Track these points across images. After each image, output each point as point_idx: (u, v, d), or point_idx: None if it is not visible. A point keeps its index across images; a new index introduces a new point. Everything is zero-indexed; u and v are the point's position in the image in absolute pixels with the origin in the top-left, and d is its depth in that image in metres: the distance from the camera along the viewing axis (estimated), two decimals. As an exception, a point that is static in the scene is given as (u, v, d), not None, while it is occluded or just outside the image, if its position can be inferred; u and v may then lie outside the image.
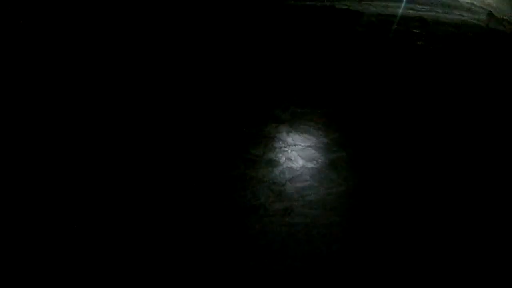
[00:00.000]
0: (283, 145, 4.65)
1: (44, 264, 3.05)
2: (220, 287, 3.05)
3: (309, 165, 4.47)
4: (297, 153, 4.63)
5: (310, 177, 4.28)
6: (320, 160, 4.53)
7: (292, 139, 4.80)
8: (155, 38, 6.56)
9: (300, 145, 4.73)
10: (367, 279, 3.30)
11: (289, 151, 4.54)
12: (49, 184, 3.72)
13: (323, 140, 4.89)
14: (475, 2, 17.85)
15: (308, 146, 4.74)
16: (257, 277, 3.13)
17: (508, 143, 5.17)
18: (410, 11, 10.63)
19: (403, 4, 11.68)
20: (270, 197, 3.90)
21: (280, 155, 4.53)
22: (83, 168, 3.94)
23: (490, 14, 14.03)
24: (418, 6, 11.97)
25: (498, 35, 10.90)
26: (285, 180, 4.17)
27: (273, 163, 4.39)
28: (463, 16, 12.69)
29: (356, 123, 5.31)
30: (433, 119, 5.54)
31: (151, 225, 3.46)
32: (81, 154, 4.08)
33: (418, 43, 8.02)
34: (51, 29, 6.40)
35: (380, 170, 4.56)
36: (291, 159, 4.47)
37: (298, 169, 4.39)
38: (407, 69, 7.08)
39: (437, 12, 11.66)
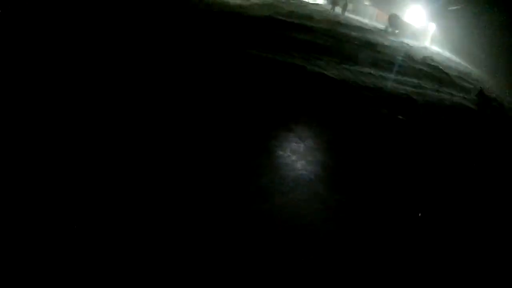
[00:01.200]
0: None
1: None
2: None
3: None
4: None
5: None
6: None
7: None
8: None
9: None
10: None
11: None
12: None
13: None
14: (463, 76, 16.56)
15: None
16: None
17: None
18: (398, 86, 8.89)
19: (390, 75, 10.00)
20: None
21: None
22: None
23: (481, 94, 12.59)
24: (406, 78, 10.33)
25: (490, 122, 9.30)
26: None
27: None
28: (453, 95, 11.08)
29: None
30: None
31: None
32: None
33: (406, 135, 6.18)
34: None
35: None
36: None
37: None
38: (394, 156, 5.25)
39: (426, 89, 9.97)
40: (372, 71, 9.78)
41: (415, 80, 10.76)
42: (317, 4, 25.93)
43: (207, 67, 6.67)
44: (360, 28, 19.27)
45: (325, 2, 28.29)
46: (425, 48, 22.98)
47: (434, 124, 7.17)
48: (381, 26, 24.62)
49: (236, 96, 5.76)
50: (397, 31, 23.53)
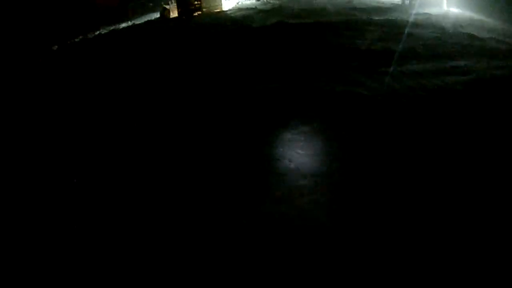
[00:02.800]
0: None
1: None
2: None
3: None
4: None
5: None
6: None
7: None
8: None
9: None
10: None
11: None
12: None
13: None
14: (494, 35, 15.04)
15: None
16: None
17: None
18: (449, 79, 7.75)
19: (437, 65, 8.88)
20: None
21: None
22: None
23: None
24: (453, 64, 9.11)
25: None
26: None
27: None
28: (503, 68, 9.77)
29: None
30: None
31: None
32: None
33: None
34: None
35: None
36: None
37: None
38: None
39: (477, 71, 8.72)
40: (415, 67, 8.68)
41: (462, 63, 9.55)
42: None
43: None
44: (379, 9, 18.13)
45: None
46: (447, 13, 21.53)
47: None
48: (395, 1, 23.32)
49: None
50: (414, 2, 22.19)
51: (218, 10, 20.46)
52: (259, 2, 21.44)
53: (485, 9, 21.90)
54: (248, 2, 21.76)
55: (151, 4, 23.83)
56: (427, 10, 19.87)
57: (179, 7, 20.79)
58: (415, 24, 14.38)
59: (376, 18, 15.00)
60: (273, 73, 8.52)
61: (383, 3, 22.02)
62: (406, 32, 12.51)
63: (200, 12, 20.35)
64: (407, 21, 14.92)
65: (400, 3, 22.25)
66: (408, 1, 22.20)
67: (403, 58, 9.49)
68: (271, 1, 21.18)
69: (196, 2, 20.48)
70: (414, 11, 19.34)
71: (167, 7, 21.28)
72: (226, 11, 20.21)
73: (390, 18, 15.27)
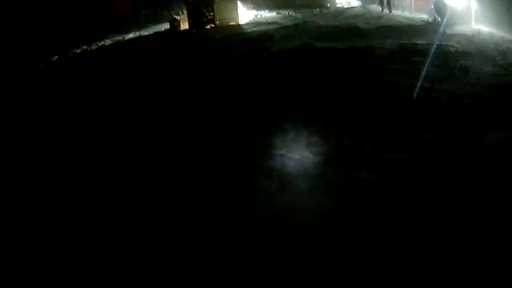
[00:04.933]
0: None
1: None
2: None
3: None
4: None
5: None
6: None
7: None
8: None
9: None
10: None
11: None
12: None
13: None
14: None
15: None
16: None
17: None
18: None
19: None
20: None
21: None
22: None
23: None
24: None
25: None
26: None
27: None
28: None
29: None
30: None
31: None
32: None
33: None
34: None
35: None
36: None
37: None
38: None
39: None
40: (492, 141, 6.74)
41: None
42: (353, 7, 23.18)
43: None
44: (413, 29, 16.83)
45: (359, 2, 25.60)
46: (479, 32, 19.87)
47: None
48: (424, 17, 21.72)
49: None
50: (443, 20, 20.58)
51: (233, 23, 18.71)
52: (280, 15, 19.78)
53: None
54: (268, 15, 20.10)
55: (165, 12, 22.62)
56: (458, 28, 18.34)
57: (190, 19, 19.08)
58: (463, 53, 12.68)
59: (420, 42, 13.26)
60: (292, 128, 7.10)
61: (412, 19, 20.40)
62: (461, 66, 10.75)
63: (213, 25, 18.61)
64: (453, 47, 13.27)
65: (429, 20, 20.73)
66: (439, 19, 20.63)
67: (475, 119, 7.48)
68: (294, 15, 19.52)
69: (208, 14, 18.70)
70: (447, 31, 17.78)
71: (177, 17, 19.66)
72: (243, 25, 18.51)
73: (432, 43, 13.50)
